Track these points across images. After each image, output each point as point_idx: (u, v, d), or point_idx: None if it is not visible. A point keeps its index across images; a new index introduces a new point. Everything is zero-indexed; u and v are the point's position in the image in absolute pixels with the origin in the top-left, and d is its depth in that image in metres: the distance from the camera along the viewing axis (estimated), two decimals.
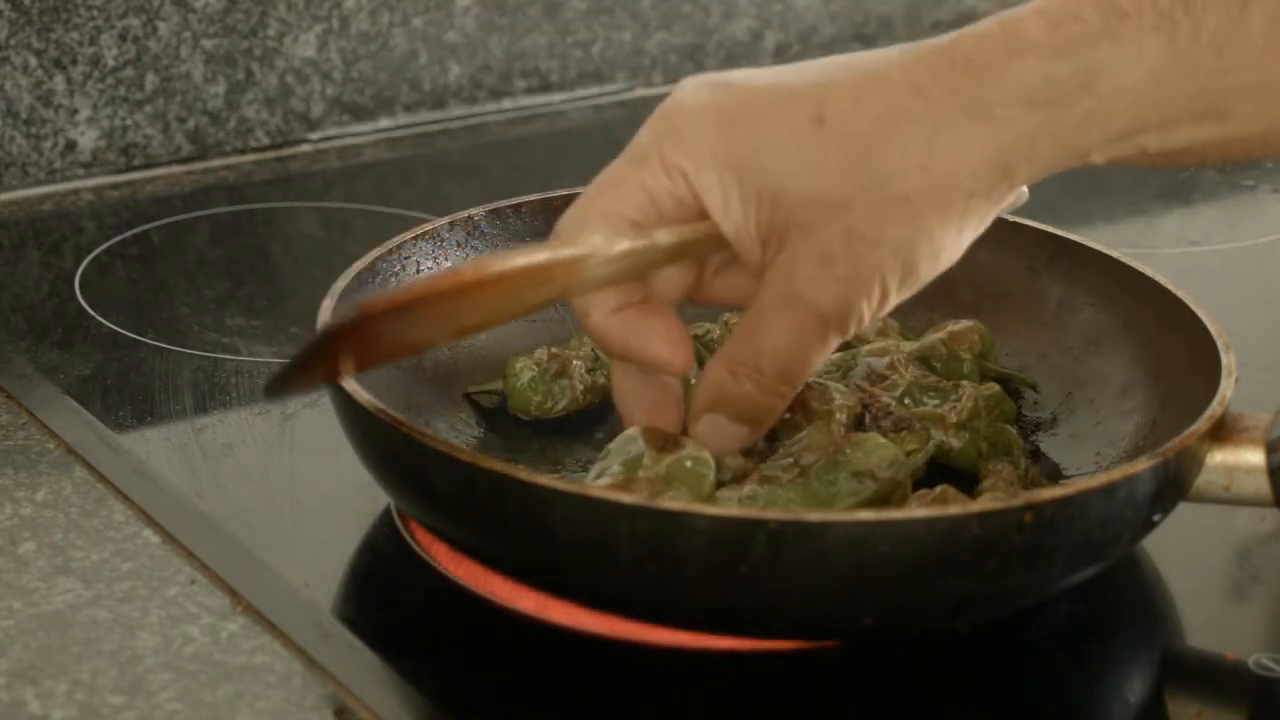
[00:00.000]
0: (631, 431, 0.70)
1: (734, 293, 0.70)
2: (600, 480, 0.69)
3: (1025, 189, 0.69)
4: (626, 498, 0.63)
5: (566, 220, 0.68)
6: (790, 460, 0.73)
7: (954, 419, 0.77)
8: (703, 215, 0.67)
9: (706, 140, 0.66)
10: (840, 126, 0.64)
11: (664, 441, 0.70)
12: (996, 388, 0.79)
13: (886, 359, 0.79)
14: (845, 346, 0.82)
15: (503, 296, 0.64)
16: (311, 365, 0.65)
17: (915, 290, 0.67)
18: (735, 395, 0.68)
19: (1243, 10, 0.62)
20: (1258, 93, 0.63)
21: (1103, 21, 0.63)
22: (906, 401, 0.78)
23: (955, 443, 0.77)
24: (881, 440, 0.73)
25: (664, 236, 0.66)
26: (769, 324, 0.67)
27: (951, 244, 0.66)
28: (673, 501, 0.63)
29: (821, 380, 0.77)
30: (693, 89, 0.67)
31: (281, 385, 0.66)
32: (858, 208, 0.64)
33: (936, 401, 0.78)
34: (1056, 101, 0.63)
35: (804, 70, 0.67)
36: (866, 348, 0.81)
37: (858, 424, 0.76)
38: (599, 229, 0.66)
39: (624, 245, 0.66)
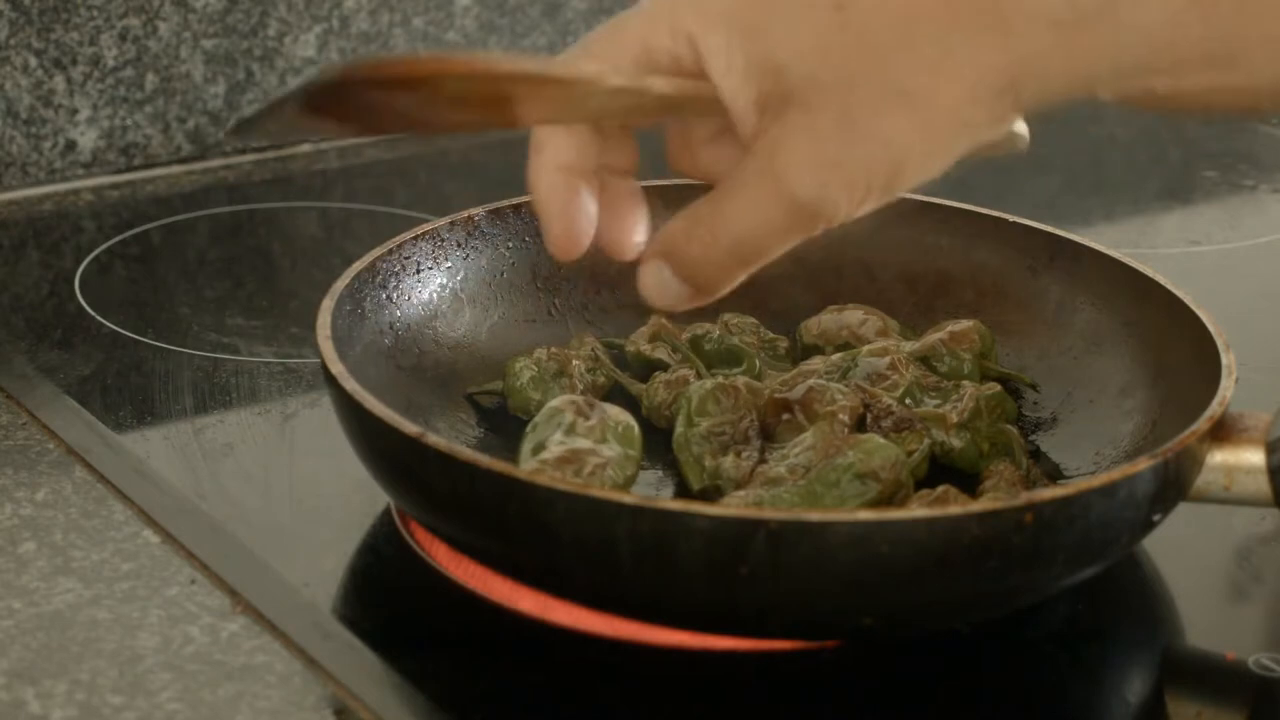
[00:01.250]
0: (555, 402, 0.70)
1: (720, 165, 0.69)
2: (542, 454, 0.69)
3: (1026, 133, 0.69)
4: (627, 498, 0.63)
5: (559, 60, 0.67)
6: (793, 462, 0.73)
7: (955, 419, 0.77)
8: (696, 79, 0.66)
9: (723, 2, 0.65)
10: (860, 15, 0.63)
11: (587, 409, 0.70)
12: (997, 388, 0.79)
13: (887, 359, 0.79)
14: (844, 347, 0.82)
15: (489, 98, 0.63)
16: (283, 115, 0.64)
17: (894, 196, 0.66)
18: (684, 255, 0.67)
19: None
20: (1272, 45, 0.63)
21: None
22: (907, 402, 0.78)
23: (956, 443, 0.77)
24: (883, 441, 0.73)
25: (659, 84, 0.65)
26: (740, 194, 0.66)
27: (942, 152, 0.65)
28: (672, 501, 0.63)
29: (823, 381, 0.77)
30: None
31: (250, 127, 0.65)
32: (859, 94, 0.63)
33: (937, 401, 0.78)
34: (1076, 25, 0.63)
35: None
36: (867, 348, 0.81)
37: (859, 425, 0.76)
38: (599, 66, 0.65)
39: (618, 80, 0.64)
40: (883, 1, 0.64)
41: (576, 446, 0.72)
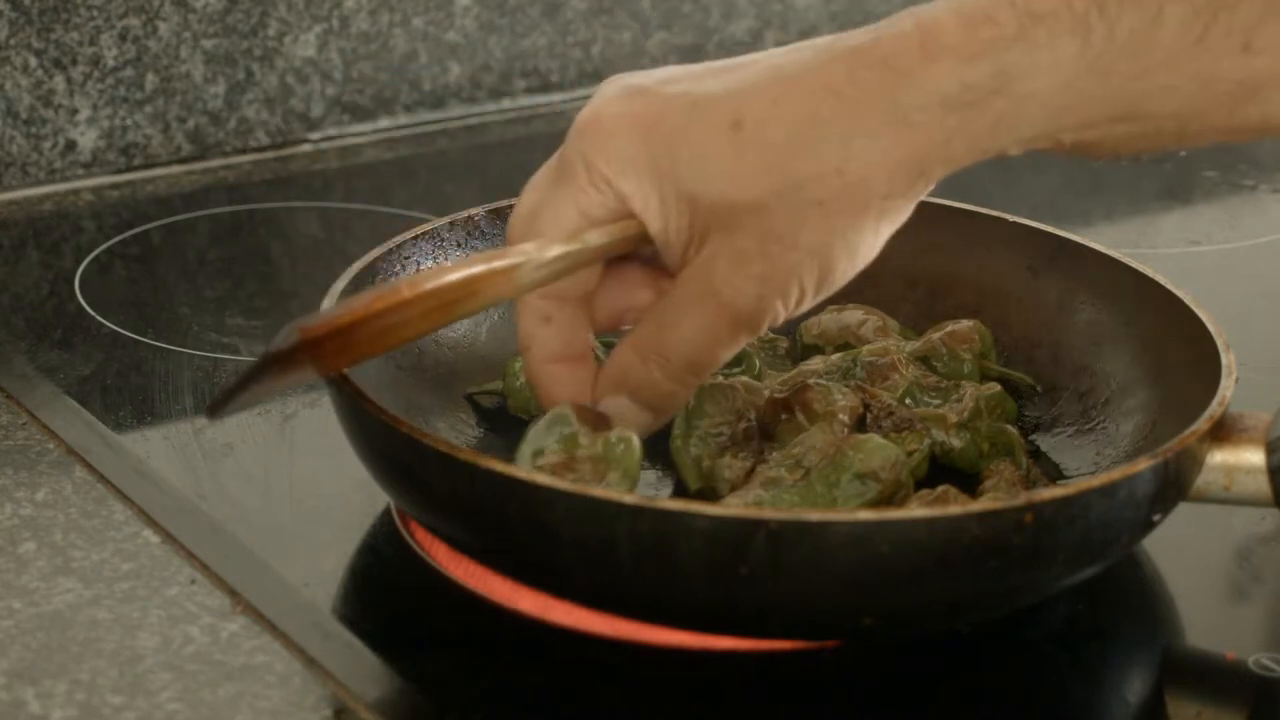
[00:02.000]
0: (562, 409, 0.70)
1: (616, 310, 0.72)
2: (539, 460, 0.69)
3: None
4: (627, 498, 0.63)
5: (510, 233, 0.70)
6: (793, 462, 0.73)
7: (955, 419, 0.77)
8: (629, 218, 0.68)
9: (626, 150, 0.67)
10: (757, 132, 0.65)
11: (595, 421, 0.70)
12: (998, 388, 0.79)
13: (887, 359, 0.79)
14: (844, 347, 0.82)
15: (441, 307, 0.66)
16: (254, 385, 0.67)
17: (835, 289, 0.68)
18: (641, 380, 0.69)
19: (1157, 14, 0.62)
20: (1171, 94, 0.63)
21: (1017, 25, 0.63)
22: (907, 402, 0.78)
23: (956, 443, 0.77)
24: (882, 441, 0.73)
25: (594, 238, 0.68)
26: (682, 315, 0.68)
27: (868, 243, 0.67)
28: (672, 501, 0.63)
29: (823, 381, 0.77)
30: (610, 97, 0.68)
31: (223, 405, 0.69)
32: (774, 212, 0.65)
33: (937, 402, 0.78)
34: (971, 105, 0.63)
35: (722, 73, 0.67)
36: (867, 348, 0.81)
37: (859, 425, 0.76)
38: (538, 240, 0.68)
39: (556, 250, 0.67)
40: (777, 112, 0.65)
41: (576, 456, 0.71)
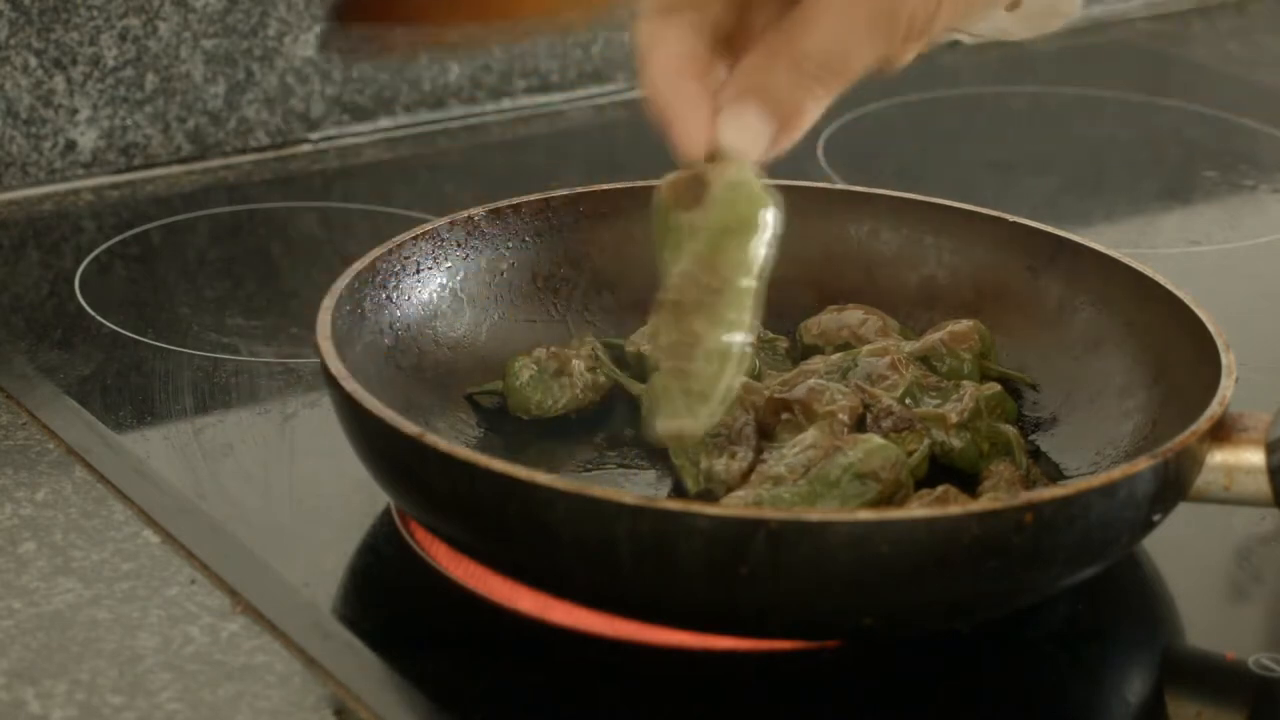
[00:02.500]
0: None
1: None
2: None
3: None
4: (627, 498, 0.63)
5: None
6: (792, 461, 0.73)
7: (955, 419, 0.77)
8: None
9: None
10: None
11: (692, 194, 0.66)
12: (997, 388, 0.79)
13: (887, 359, 0.79)
14: (844, 347, 0.82)
15: None
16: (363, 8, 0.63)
17: (972, 6, 0.65)
18: (769, 83, 0.64)
19: None
20: None
21: None
22: (907, 402, 0.78)
23: (956, 443, 0.77)
24: (883, 441, 0.73)
25: None
26: (824, 10, 0.64)
27: None
28: (672, 501, 0.63)
29: (823, 381, 0.77)
30: None
31: (335, 29, 0.65)
32: None
33: (937, 401, 0.78)
34: None
35: None
36: (867, 348, 0.81)
37: (859, 425, 0.76)
38: None
39: None
40: None
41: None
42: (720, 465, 0.74)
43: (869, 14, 0.64)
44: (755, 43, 0.66)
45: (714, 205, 0.65)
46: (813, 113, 0.65)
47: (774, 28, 0.65)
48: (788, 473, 0.72)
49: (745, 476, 0.74)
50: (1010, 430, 0.77)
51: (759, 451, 0.75)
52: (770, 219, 0.65)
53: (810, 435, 0.74)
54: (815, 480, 0.71)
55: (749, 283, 0.66)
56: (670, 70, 0.66)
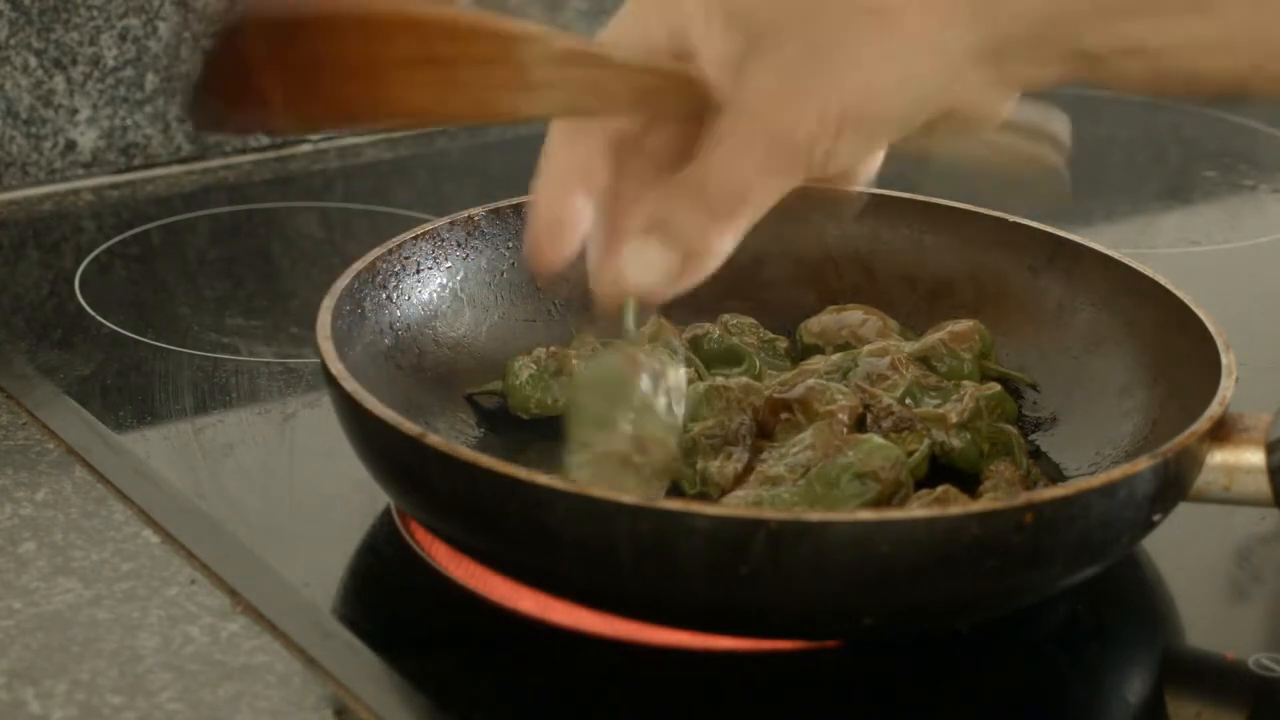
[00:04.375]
0: (616, 362, 0.68)
1: None
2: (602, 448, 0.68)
3: (1066, 175, 0.67)
4: (626, 498, 0.63)
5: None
6: (792, 461, 0.73)
7: (955, 419, 0.77)
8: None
9: None
10: None
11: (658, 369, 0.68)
12: (997, 388, 0.79)
13: (887, 359, 0.79)
14: (844, 347, 0.82)
15: (429, 58, 0.60)
16: (225, 83, 0.62)
17: (874, 138, 0.64)
18: (672, 218, 0.64)
19: None
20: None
21: None
22: (907, 402, 0.78)
23: (956, 443, 0.77)
24: (882, 441, 0.73)
25: (621, 52, 0.63)
26: (720, 143, 0.63)
27: (917, 83, 0.62)
28: (672, 501, 0.63)
29: (822, 381, 0.77)
30: None
31: (196, 107, 0.63)
32: (824, 20, 0.61)
33: (937, 402, 0.78)
34: None
35: None
36: (867, 348, 0.81)
37: (859, 425, 0.76)
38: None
39: (569, 42, 0.62)
40: None
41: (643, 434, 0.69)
42: (715, 467, 0.74)
43: (766, 147, 0.62)
44: (647, 169, 0.65)
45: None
46: (718, 247, 0.64)
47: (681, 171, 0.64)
48: (787, 473, 0.72)
49: (740, 479, 0.73)
50: (1011, 430, 0.77)
51: (756, 452, 0.75)
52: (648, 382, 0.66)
53: (809, 435, 0.74)
54: (815, 480, 0.71)
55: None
56: (560, 178, 0.66)
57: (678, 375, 0.69)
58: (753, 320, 0.84)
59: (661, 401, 0.68)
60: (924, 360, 0.81)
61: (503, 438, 0.79)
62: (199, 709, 0.63)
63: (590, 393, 0.68)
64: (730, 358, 0.82)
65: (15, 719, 0.63)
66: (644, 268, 0.65)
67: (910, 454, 0.74)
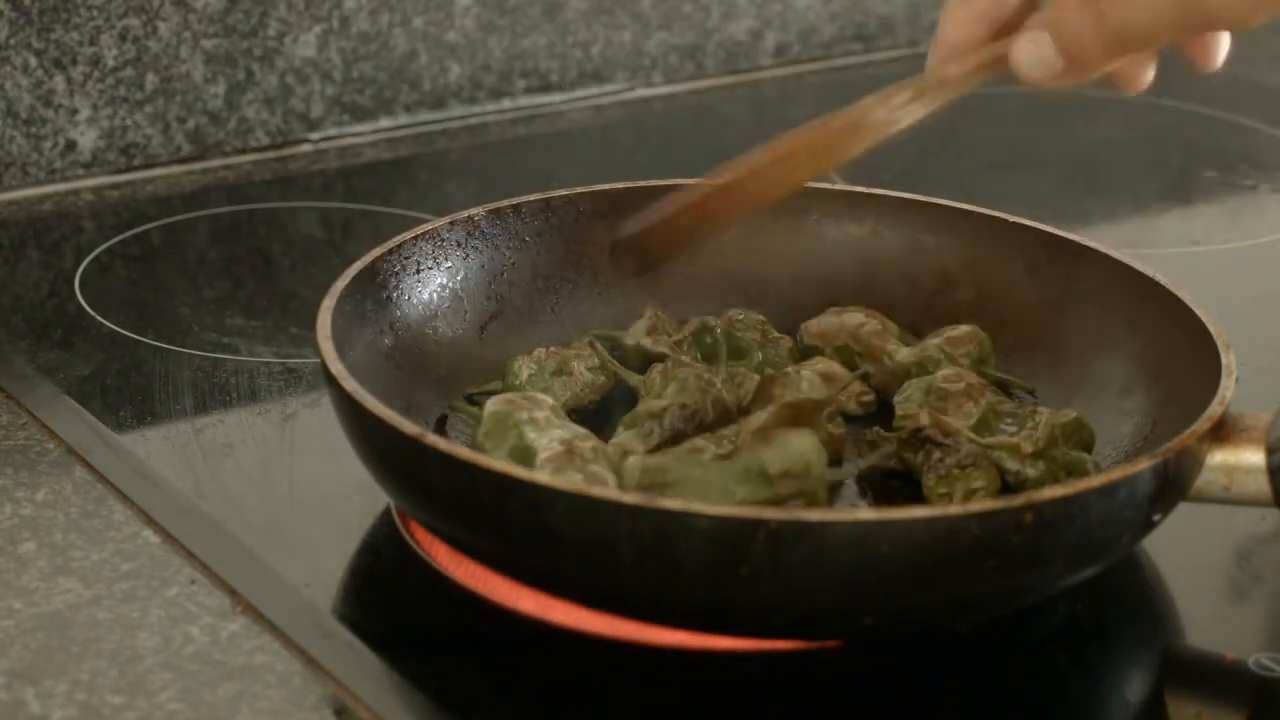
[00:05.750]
0: (498, 408, 0.74)
1: None
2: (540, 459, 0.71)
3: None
4: (627, 498, 0.63)
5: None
6: (731, 435, 0.72)
7: (1029, 448, 0.75)
8: None
9: None
10: None
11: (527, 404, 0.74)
12: (1073, 414, 0.76)
13: (962, 384, 0.78)
14: (843, 349, 0.82)
15: (794, 168, 0.72)
16: (644, 245, 0.74)
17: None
18: (1070, 29, 0.68)
19: None
20: None
21: None
22: (981, 432, 0.76)
23: (1031, 472, 0.74)
24: (804, 446, 0.71)
25: (953, 69, 0.71)
26: None
27: None
28: (673, 501, 0.63)
29: (792, 370, 0.78)
30: None
31: (617, 259, 0.76)
32: None
33: (1014, 429, 0.76)
34: None
35: None
36: (941, 373, 0.79)
37: (918, 450, 0.75)
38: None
39: (902, 95, 0.71)
40: None
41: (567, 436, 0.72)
42: (627, 437, 0.74)
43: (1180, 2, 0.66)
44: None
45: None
46: (1100, 66, 0.69)
47: None
48: (715, 446, 0.72)
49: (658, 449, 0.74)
50: (1087, 459, 0.75)
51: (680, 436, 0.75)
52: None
53: (758, 416, 0.73)
54: (716, 466, 0.71)
55: None
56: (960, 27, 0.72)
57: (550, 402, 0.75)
58: (760, 317, 0.84)
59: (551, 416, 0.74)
60: (920, 365, 0.81)
61: None
62: (199, 709, 0.64)
63: (489, 440, 0.74)
64: (733, 354, 0.82)
65: (15, 719, 0.63)
66: (1032, 60, 0.69)
67: (974, 491, 0.73)
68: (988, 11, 0.71)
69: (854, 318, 0.84)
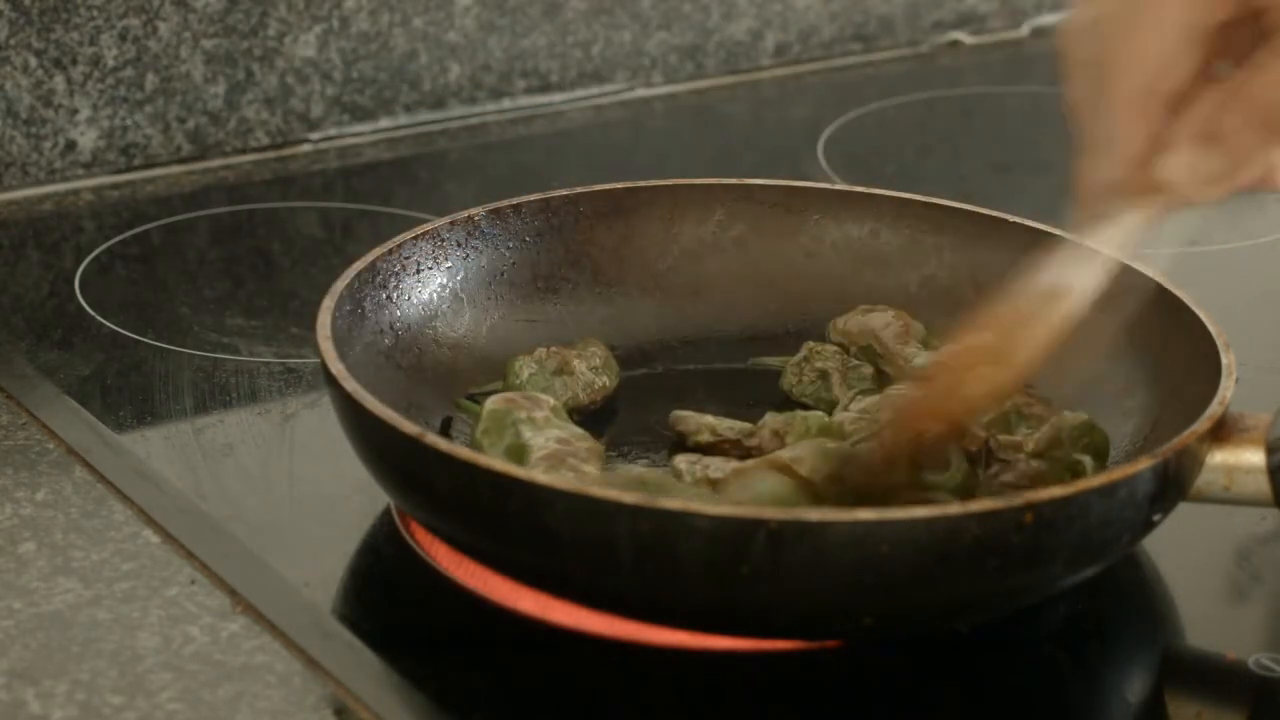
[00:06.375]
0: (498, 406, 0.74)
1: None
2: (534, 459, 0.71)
3: None
4: (627, 497, 0.63)
5: (1065, 49, 0.67)
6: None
7: (1030, 447, 0.75)
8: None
9: None
10: None
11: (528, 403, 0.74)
12: (1084, 416, 0.76)
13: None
14: (866, 350, 0.82)
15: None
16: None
17: None
18: (1218, 127, 0.63)
19: None
20: None
21: None
22: (1000, 434, 0.76)
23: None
24: (770, 485, 0.72)
25: (1131, 216, 0.69)
26: (1275, 58, 0.62)
27: None
28: (673, 501, 0.63)
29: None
30: None
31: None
32: None
33: (1030, 430, 0.76)
34: None
35: None
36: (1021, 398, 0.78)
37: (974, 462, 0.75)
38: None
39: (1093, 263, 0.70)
40: None
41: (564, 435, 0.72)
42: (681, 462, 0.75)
43: None
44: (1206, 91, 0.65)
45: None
46: (1259, 161, 0.64)
47: (1241, 79, 0.64)
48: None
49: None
50: (1088, 462, 0.74)
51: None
52: None
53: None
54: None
55: None
56: (1147, 84, 0.65)
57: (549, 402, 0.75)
58: (835, 348, 0.83)
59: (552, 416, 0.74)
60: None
61: None
62: (199, 709, 0.64)
63: (486, 437, 0.74)
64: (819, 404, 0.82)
65: (15, 719, 0.63)
66: (1190, 172, 0.65)
67: None
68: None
69: (880, 317, 0.83)
